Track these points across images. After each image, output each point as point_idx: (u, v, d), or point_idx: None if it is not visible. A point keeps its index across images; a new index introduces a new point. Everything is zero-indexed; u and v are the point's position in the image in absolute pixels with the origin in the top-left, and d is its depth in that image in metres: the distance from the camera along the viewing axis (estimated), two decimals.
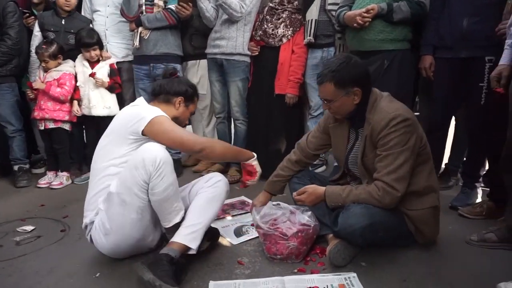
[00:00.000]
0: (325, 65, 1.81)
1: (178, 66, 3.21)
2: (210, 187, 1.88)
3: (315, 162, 3.03)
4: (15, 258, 1.95)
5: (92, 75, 3.06)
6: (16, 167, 3.20)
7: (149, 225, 1.77)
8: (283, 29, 2.98)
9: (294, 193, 1.96)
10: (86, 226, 1.83)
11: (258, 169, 2.03)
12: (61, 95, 3.02)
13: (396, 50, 2.46)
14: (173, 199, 1.72)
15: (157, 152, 1.64)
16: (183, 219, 1.76)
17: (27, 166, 3.27)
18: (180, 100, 1.94)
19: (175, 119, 1.90)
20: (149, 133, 1.73)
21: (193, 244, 1.71)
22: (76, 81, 3.12)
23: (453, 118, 2.81)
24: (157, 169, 1.62)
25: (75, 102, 3.14)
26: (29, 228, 2.30)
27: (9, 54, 3.04)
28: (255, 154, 2.01)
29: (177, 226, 1.75)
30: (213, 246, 1.98)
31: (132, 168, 1.65)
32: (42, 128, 3.11)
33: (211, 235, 1.91)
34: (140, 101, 1.94)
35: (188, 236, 1.71)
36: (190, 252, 1.72)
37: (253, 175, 2.04)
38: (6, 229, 2.31)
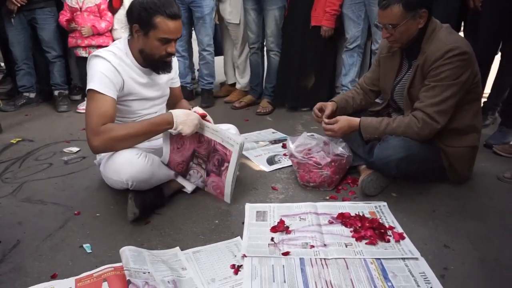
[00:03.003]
0: None
1: None
2: None
3: None
4: (66, 175, 2.11)
5: None
6: (56, 92, 3.35)
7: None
8: None
9: (325, 121, 1.89)
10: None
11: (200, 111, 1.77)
12: (107, 28, 3.08)
13: None
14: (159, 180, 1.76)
15: (124, 175, 1.60)
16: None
17: (67, 92, 3.41)
18: (137, 28, 1.63)
19: (141, 52, 1.68)
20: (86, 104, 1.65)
21: (189, 186, 1.86)
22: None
23: (499, 55, 2.67)
24: (131, 186, 1.64)
25: None
26: (74, 149, 2.45)
27: None
28: (173, 113, 1.63)
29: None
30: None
31: (109, 178, 1.71)
32: (86, 55, 3.13)
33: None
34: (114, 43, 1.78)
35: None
36: (184, 190, 1.87)
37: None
38: (53, 149, 2.47)
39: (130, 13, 1.64)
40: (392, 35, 1.74)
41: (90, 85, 1.58)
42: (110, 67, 1.62)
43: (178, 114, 1.62)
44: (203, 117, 1.73)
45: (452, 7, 2.37)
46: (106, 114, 1.57)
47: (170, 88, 1.96)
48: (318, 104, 2.02)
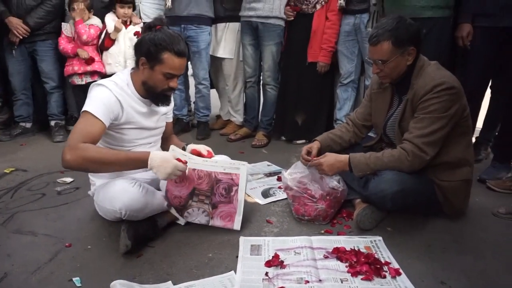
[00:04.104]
0: (377, 26, 1.77)
1: (208, 29, 3.22)
2: None
3: None
4: (58, 206, 2.08)
5: (136, 33, 3.12)
6: (52, 123, 3.36)
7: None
8: None
9: (312, 159, 1.90)
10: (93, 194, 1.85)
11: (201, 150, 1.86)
12: (85, 33, 3.12)
13: (436, 18, 2.39)
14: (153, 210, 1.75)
15: (117, 203, 1.61)
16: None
17: (63, 122, 3.43)
18: (143, 61, 1.69)
19: (144, 84, 1.73)
20: None
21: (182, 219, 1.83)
22: (99, 35, 3.22)
23: (489, 90, 2.74)
24: (124, 216, 1.64)
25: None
26: (68, 179, 2.43)
27: (54, 13, 3.18)
28: (151, 154, 1.58)
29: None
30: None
31: (102, 207, 1.72)
32: (82, 82, 3.20)
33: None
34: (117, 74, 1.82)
35: None
36: (178, 222, 1.85)
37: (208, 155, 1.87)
38: (47, 180, 2.45)
39: (139, 46, 1.71)
40: (382, 70, 1.80)
41: (85, 107, 1.61)
42: (111, 95, 1.66)
43: (155, 158, 1.57)
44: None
45: (443, 45, 2.45)
46: (89, 135, 1.56)
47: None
48: (304, 149, 2.03)
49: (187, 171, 1.68)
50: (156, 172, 1.57)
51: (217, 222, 1.80)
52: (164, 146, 2.06)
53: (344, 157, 1.84)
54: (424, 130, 1.70)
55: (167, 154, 1.63)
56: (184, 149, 1.92)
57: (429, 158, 1.73)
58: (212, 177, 1.73)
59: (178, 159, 1.62)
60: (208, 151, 1.89)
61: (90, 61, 3.17)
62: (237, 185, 1.74)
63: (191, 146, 1.92)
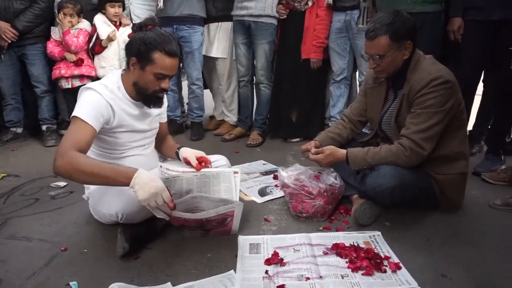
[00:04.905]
0: (374, 20, 1.76)
1: (200, 29, 3.21)
2: None
3: None
4: (52, 211, 2.05)
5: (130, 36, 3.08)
6: (44, 127, 3.31)
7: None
8: None
9: (312, 151, 1.91)
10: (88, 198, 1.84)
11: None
12: (73, 44, 3.06)
13: (427, 13, 2.40)
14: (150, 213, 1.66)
15: (114, 206, 1.59)
16: None
17: (55, 126, 3.39)
18: (134, 62, 1.65)
19: (135, 85, 1.69)
20: None
21: None
22: (89, 39, 3.16)
23: (481, 83, 2.76)
24: (121, 219, 1.62)
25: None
26: (61, 184, 2.39)
27: (42, 16, 3.14)
28: (138, 171, 1.45)
29: None
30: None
31: (98, 211, 1.71)
32: (69, 86, 3.15)
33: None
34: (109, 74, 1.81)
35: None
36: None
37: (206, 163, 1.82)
38: (40, 185, 2.41)
39: (129, 47, 1.67)
40: (379, 65, 1.79)
41: (75, 112, 1.57)
42: (101, 99, 1.62)
43: (141, 176, 1.43)
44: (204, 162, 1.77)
45: (434, 40, 2.47)
46: (80, 140, 1.52)
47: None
48: (304, 147, 2.01)
49: (171, 214, 1.51)
50: (138, 190, 1.41)
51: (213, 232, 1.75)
52: (160, 147, 2.04)
53: (341, 151, 1.84)
54: (421, 125, 1.70)
55: (154, 176, 1.49)
56: (176, 153, 1.90)
57: (426, 154, 1.73)
58: (203, 220, 1.64)
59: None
60: (200, 158, 1.81)
61: (79, 61, 3.12)
62: (233, 215, 1.66)
63: (184, 150, 1.87)
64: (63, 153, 1.47)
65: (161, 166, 1.75)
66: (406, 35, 1.73)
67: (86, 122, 1.56)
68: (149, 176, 1.45)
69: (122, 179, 1.44)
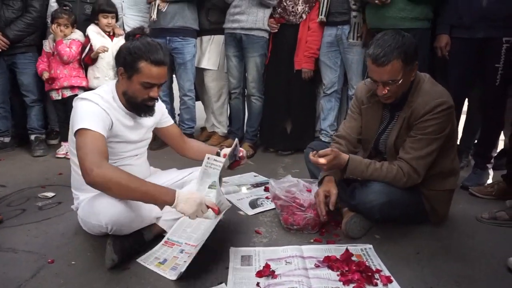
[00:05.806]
0: (381, 45, 1.64)
1: (193, 41, 3.23)
2: None
3: None
4: (40, 222, 2.01)
5: None
6: (32, 137, 3.27)
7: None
8: (302, 5, 3.02)
9: (315, 153, 1.76)
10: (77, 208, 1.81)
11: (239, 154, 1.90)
12: (66, 54, 3.05)
13: (415, 29, 2.46)
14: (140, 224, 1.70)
15: (104, 218, 1.54)
16: None
17: (43, 136, 3.34)
18: (122, 71, 1.66)
19: (125, 95, 1.69)
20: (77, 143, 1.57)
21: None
22: (82, 50, 3.15)
23: (467, 99, 2.82)
24: (111, 231, 1.58)
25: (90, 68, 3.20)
26: (50, 194, 2.36)
27: (34, 25, 3.13)
28: (177, 191, 1.53)
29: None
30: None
31: (87, 222, 1.69)
32: (59, 97, 3.13)
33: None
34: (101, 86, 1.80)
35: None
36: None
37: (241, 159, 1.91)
38: (27, 195, 2.37)
39: (117, 56, 1.68)
40: (391, 89, 1.70)
41: (79, 125, 1.54)
42: (100, 109, 1.62)
43: (181, 193, 1.51)
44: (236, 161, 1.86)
45: (422, 56, 2.51)
46: (103, 150, 1.53)
47: (162, 128, 1.98)
48: (322, 195, 1.82)
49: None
50: (182, 207, 1.49)
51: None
52: (184, 152, 2.05)
53: (345, 159, 1.76)
54: (421, 151, 1.72)
55: (190, 190, 1.64)
56: (218, 154, 1.89)
57: (420, 180, 1.76)
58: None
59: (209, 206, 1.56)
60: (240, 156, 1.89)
61: (50, 80, 3.09)
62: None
63: (225, 150, 1.88)
64: (99, 165, 1.45)
65: (208, 158, 1.75)
66: (415, 56, 1.69)
67: (97, 132, 1.55)
68: (187, 191, 1.55)
69: (164, 197, 1.50)
